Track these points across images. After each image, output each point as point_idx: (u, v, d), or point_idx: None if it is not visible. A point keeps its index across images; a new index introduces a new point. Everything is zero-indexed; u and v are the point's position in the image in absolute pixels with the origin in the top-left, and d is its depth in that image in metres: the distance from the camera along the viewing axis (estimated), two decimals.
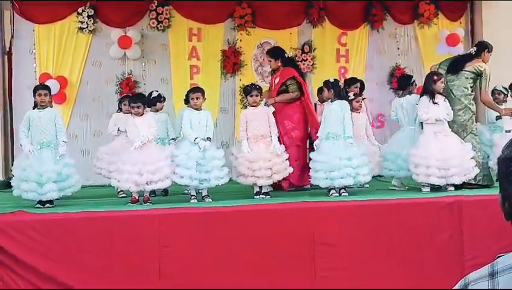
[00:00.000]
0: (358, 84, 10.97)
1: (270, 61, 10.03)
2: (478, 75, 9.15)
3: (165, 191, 9.33)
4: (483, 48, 9.44)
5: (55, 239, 6.82)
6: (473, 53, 9.32)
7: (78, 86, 11.87)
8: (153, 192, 8.65)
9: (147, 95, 9.45)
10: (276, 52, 10.12)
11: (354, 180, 8.40)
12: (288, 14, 12.49)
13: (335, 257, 7.22)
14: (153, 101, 9.39)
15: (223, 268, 7.01)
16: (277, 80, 9.82)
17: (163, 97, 9.74)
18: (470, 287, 1.89)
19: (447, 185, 8.48)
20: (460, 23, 13.30)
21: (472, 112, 9.16)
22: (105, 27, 11.97)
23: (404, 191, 9.04)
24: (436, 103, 8.64)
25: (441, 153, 8.44)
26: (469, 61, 9.21)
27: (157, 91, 9.70)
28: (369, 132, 10.31)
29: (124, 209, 7.63)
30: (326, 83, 8.88)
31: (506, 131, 10.26)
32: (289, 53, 10.83)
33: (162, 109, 9.67)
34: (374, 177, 9.76)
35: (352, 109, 9.45)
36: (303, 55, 12.66)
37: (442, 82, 8.76)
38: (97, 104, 11.92)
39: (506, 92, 10.75)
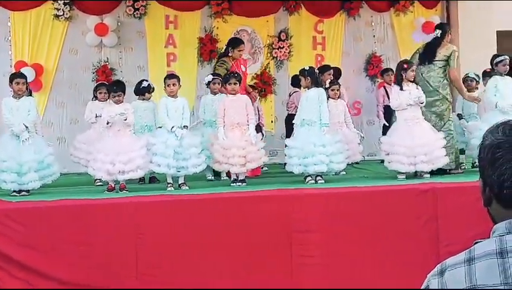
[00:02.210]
0: (331, 71, 10.92)
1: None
2: (448, 59, 9.23)
3: (142, 179, 9.27)
4: (446, 28, 9.57)
5: (32, 227, 6.78)
6: (439, 36, 9.39)
7: (54, 74, 11.73)
8: (130, 179, 8.62)
9: (136, 84, 9.66)
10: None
11: (328, 167, 8.45)
12: (265, 1, 12.44)
13: (312, 244, 7.25)
14: (142, 91, 9.44)
15: (199, 255, 7.02)
16: (244, 68, 9.95)
17: (153, 88, 9.72)
18: (447, 273, 1.92)
19: (422, 172, 8.53)
20: (436, 10, 13.33)
21: (449, 102, 9.28)
22: (82, 14, 11.82)
23: (382, 178, 9.03)
24: (405, 90, 8.68)
25: (410, 140, 8.49)
26: (439, 47, 9.28)
27: (147, 81, 9.81)
28: (348, 119, 10.30)
29: (100, 197, 7.61)
30: (302, 72, 8.91)
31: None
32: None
33: (149, 99, 9.69)
34: (351, 164, 9.83)
35: (329, 97, 9.49)
36: (279, 42, 12.64)
37: (412, 70, 8.77)
38: (73, 92, 11.80)
39: (478, 79, 10.67)
